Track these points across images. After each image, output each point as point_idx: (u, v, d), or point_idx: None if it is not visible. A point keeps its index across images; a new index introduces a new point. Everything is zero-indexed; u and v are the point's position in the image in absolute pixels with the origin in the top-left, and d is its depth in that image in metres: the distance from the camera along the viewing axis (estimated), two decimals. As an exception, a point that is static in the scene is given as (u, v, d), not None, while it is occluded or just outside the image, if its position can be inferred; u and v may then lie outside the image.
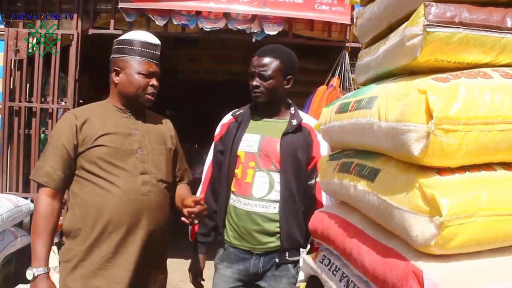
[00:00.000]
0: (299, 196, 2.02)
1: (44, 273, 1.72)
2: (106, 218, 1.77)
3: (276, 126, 2.08)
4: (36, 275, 1.71)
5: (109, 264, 1.77)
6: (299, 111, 2.17)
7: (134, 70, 1.85)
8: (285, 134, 2.04)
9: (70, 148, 1.80)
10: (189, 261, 2.20)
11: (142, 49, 1.86)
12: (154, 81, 1.88)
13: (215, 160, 2.16)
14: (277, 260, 2.02)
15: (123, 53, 1.88)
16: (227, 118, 2.19)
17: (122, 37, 1.92)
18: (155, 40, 1.90)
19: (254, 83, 2.03)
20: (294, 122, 2.06)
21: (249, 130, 2.08)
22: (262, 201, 2.00)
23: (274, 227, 2.00)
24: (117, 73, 1.88)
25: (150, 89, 1.88)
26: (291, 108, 2.14)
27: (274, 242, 2.02)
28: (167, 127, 2.07)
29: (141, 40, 1.87)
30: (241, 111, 2.16)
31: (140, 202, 1.81)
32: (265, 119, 2.11)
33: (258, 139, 2.05)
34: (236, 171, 2.05)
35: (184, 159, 2.17)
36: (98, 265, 1.77)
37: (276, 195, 2.00)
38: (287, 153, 2.02)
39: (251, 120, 2.11)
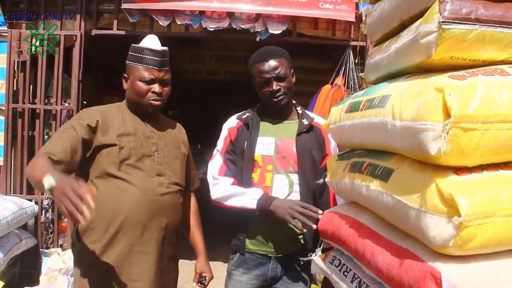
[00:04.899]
0: (318, 195, 2.03)
1: (56, 175, 1.47)
2: (122, 217, 1.79)
3: (288, 127, 2.09)
4: (54, 179, 1.44)
5: (125, 263, 1.79)
6: (305, 110, 2.18)
7: (135, 78, 1.90)
8: (299, 134, 2.04)
9: (82, 137, 1.78)
10: (193, 261, 2.18)
11: (143, 56, 1.89)
12: (156, 88, 1.89)
13: (227, 164, 2.09)
14: (301, 262, 2.00)
15: (130, 60, 1.92)
16: (234, 121, 2.14)
17: (134, 43, 1.96)
18: (157, 46, 1.90)
19: (274, 87, 2.00)
20: (305, 122, 2.07)
21: (262, 133, 2.06)
22: (284, 220, 1.95)
23: (295, 229, 1.99)
24: (126, 80, 1.95)
25: (151, 96, 1.90)
26: (297, 108, 2.15)
27: (294, 245, 2.02)
28: (180, 133, 2.10)
29: (144, 46, 1.90)
30: (248, 114, 2.13)
31: (156, 202, 1.84)
32: (275, 121, 2.10)
33: (273, 142, 2.04)
34: (253, 175, 2.02)
35: (194, 165, 2.20)
36: (114, 264, 1.78)
37: (296, 196, 2.00)
38: (304, 153, 2.02)
39: (261, 123, 2.09)
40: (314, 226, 1.83)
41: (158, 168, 1.88)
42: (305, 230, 1.89)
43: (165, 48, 1.93)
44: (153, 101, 1.90)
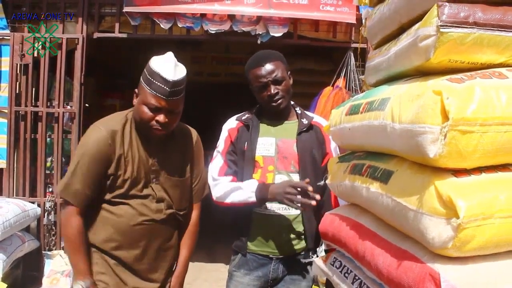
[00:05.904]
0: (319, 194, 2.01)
1: (91, 283, 1.79)
2: (119, 242, 1.82)
3: (288, 127, 2.10)
4: (85, 287, 1.77)
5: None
6: (304, 110, 2.18)
7: (142, 100, 1.78)
8: (299, 133, 2.05)
9: (101, 170, 1.80)
10: (195, 263, 2.19)
11: (154, 81, 1.74)
12: (160, 117, 1.76)
13: (228, 164, 2.09)
14: (303, 261, 2.02)
15: (142, 78, 1.79)
16: (234, 123, 2.14)
17: (151, 61, 1.79)
18: (170, 75, 1.73)
19: (272, 91, 2.00)
20: (305, 121, 2.08)
21: (263, 134, 2.07)
22: (284, 204, 1.97)
23: (297, 228, 2.01)
24: (136, 96, 1.83)
25: (154, 124, 1.78)
26: (296, 108, 2.16)
27: (296, 245, 2.03)
28: (189, 146, 2.00)
29: (156, 71, 1.74)
30: (247, 115, 2.14)
31: (153, 227, 1.86)
32: (275, 122, 2.11)
33: (273, 142, 2.05)
34: (254, 176, 2.03)
35: (203, 173, 2.09)
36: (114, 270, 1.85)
37: None
38: (304, 152, 2.04)
39: (260, 124, 2.10)
40: (313, 203, 1.82)
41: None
42: (308, 208, 1.87)
43: (180, 76, 1.76)
44: (155, 130, 1.79)
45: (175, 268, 2.01)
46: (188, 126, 2.05)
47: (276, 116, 2.11)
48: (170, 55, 1.80)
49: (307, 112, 2.18)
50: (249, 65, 2.09)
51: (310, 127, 2.08)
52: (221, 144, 2.12)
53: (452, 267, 1.09)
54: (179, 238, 2.01)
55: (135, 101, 1.84)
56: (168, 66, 1.75)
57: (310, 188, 1.84)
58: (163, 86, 1.73)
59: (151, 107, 1.76)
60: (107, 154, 1.78)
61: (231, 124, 2.15)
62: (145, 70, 1.80)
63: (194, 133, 2.05)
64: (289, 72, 2.08)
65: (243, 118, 2.13)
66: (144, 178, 1.84)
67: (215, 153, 2.13)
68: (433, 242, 1.09)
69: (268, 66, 2.01)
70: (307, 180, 1.86)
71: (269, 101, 2.02)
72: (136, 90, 1.83)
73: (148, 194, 1.85)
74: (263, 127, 2.09)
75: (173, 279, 1.98)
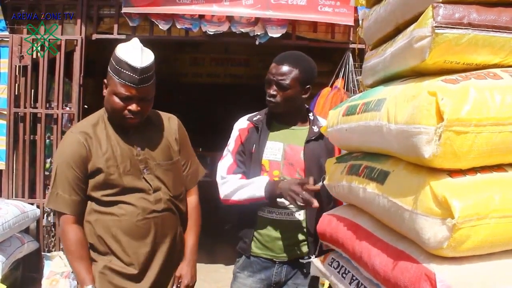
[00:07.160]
0: (324, 202, 2.00)
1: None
2: (122, 240, 1.79)
3: (297, 133, 2.07)
4: None
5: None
6: (317, 117, 2.15)
7: (112, 90, 1.75)
8: (308, 141, 2.03)
9: (81, 172, 1.77)
10: (201, 265, 2.18)
11: (121, 69, 1.70)
12: (132, 106, 1.74)
13: (238, 163, 2.08)
14: (305, 270, 2.01)
15: (110, 67, 1.76)
16: (245, 123, 2.13)
17: (117, 49, 1.76)
18: (137, 62, 1.70)
19: (271, 91, 2.00)
20: (316, 129, 2.05)
21: (271, 137, 2.05)
22: (288, 209, 1.98)
23: (300, 234, 2.01)
24: (106, 87, 1.81)
25: (127, 114, 1.76)
26: (309, 114, 2.13)
27: (299, 250, 2.03)
28: (170, 131, 1.97)
29: (123, 59, 1.70)
30: (259, 117, 2.11)
31: (157, 220, 1.83)
32: (285, 126, 2.08)
33: (281, 147, 2.03)
34: None
35: (193, 157, 2.08)
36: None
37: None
38: (311, 161, 2.01)
39: (270, 127, 2.08)
40: (315, 204, 1.81)
41: (152, 184, 1.83)
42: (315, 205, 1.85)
43: (147, 62, 1.73)
44: (128, 119, 1.78)
45: (184, 257, 1.97)
46: (168, 114, 2.02)
47: (287, 120, 2.09)
48: (135, 41, 1.78)
49: (319, 119, 2.14)
50: (274, 58, 2.06)
51: (320, 135, 2.03)
52: (232, 143, 2.11)
53: (447, 267, 1.09)
54: (183, 228, 1.99)
55: (105, 91, 1.80)
56: (134, 53, 1.72)
57: (311, 187, 1.83)
58: (131, 74, 1.69)
59: (122, 97, 1.73)
60: (82, 155, 1.76)
61: (242, 124, 2.14)
62: (111, 59, 1.76)
63: (174, 117, 2.02)
64: (308, 86, 2.04)
65: (254, 119, 2.11)
66: (134, 170, 1.81)
67: (225, 151, 2.13)
68: (429, 242, 1.09)
69: (282, 68, 1.99)
70: (311, 179, 1.85)
71: (267, 98, 2.02)
72: (105, 81, 1.80)
73: (143, 186, 1.82)
74: (272, 130, 2.07)
75: (185, 268, 1.94)
